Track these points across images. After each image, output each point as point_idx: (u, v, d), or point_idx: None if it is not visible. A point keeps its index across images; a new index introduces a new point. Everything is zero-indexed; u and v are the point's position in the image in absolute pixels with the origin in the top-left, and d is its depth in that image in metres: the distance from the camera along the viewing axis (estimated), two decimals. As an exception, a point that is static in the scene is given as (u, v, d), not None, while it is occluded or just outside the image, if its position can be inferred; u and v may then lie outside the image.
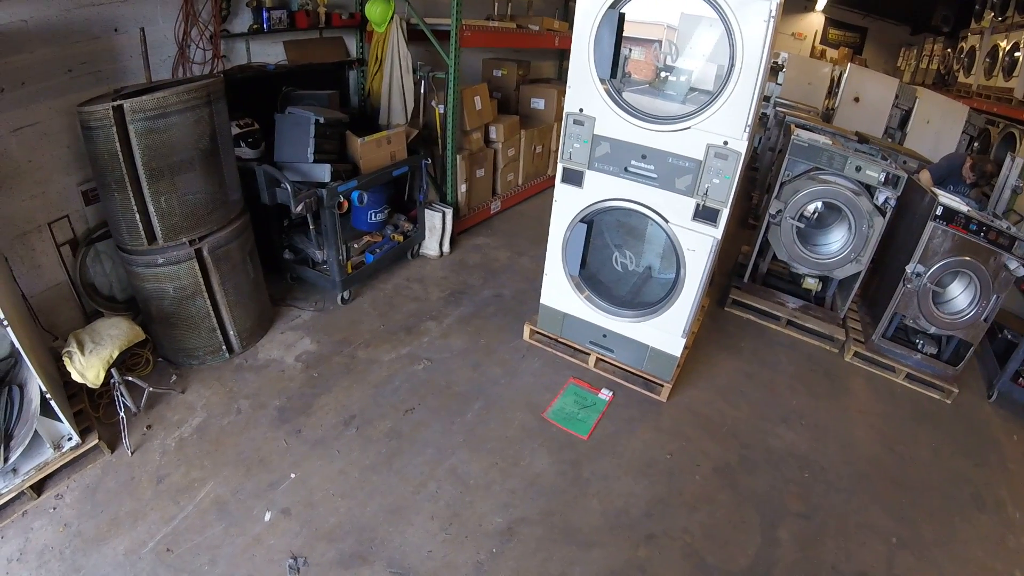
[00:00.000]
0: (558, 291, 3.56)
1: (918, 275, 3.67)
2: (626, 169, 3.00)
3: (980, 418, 3.78)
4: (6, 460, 2.42)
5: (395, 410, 3.26)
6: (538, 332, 3.85)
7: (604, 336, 3.55)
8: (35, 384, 2.48)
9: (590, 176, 3.13)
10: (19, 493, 2.50)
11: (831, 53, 12.85)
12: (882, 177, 3.71)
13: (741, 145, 2.66)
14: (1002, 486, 3.23)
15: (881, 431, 3.53)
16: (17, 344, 2.35)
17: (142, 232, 2.91)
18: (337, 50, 4.70)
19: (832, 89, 7.93)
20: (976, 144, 7.07)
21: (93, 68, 3.24)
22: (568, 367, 3.71)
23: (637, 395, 3.53)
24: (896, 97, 7.22)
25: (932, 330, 3.82)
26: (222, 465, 2.82)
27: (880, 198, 3.74)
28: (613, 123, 2.93)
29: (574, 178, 3.18)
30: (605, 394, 3.49)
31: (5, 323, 2.28)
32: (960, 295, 3.78)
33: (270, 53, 4.21)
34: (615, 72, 2.81)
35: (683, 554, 2.63)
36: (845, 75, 7.35)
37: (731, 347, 4.13)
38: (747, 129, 2.62)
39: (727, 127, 2.66)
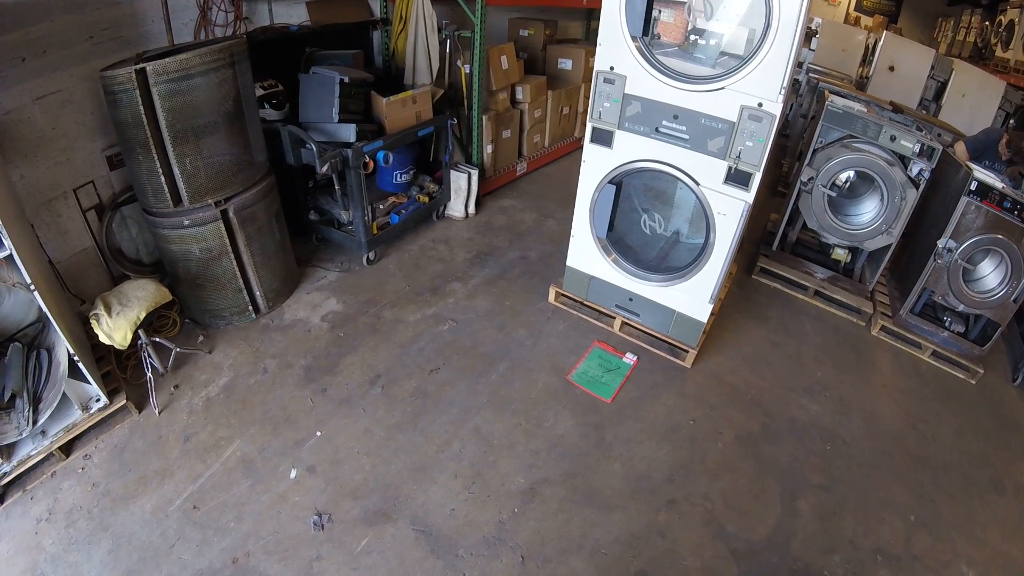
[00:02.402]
0: (585, 253, 3.54)
1: (949, 251, 3.58)
2: (657, 130, 2.94)
3: (1004, 401, 3.71)
4: (35, 422, 2.46)
5: (420, 370, 3.28)
6: (563, 295, 3.83)
7: (630, 300, 3.52)
8: (63, 347, 2.51)
9: (620, 136, 3.07)
10: (48, 454, 2.55)
11: (865, 20, 12.41)
12: (917, 148, 3.60)
13: (776, 107, 2.59)
14: (1022, 472, 3.18)
15: (905, 407, 3.49)
16: (44, 308, 2.38)
17: (167, 194, 2.92)
18: (360, 10, 4.62)
19: (866, 57, 7.68)
20: (1012, 121, 6.86)
21: (115, 34, 3.22)
22: (593, 330, 3.70)
23: (662, 360, 3.52)
24: (932, 68, 7.00)
25: (960, 308, 3.73)
26: (248, 424, 2.87)
27: (914, 169, 3.64)
28: (644, 82, 2.86)
29: (603, 138, 3.12)
30: (630, 358, 3.48)
31: (32, 288, 2.31)
32: (991, 274, 3.70)
33: (292, 14, 4.15)
34: (647, 30, 2.73)
35: (703, 521, 2.64)
36: (880, 43, 7.13)
37: (758, 315, 4.09)
38: (782, 91, 2.54)
39: (762, 88, 2.58)
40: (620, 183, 3.22)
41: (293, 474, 2.64)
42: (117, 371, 2.96)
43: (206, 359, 3.22)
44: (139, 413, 2.86)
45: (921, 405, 3.53)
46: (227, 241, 3.18)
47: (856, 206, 4.08)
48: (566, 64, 6.28)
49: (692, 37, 2.79)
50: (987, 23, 9.12)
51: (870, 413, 3.39)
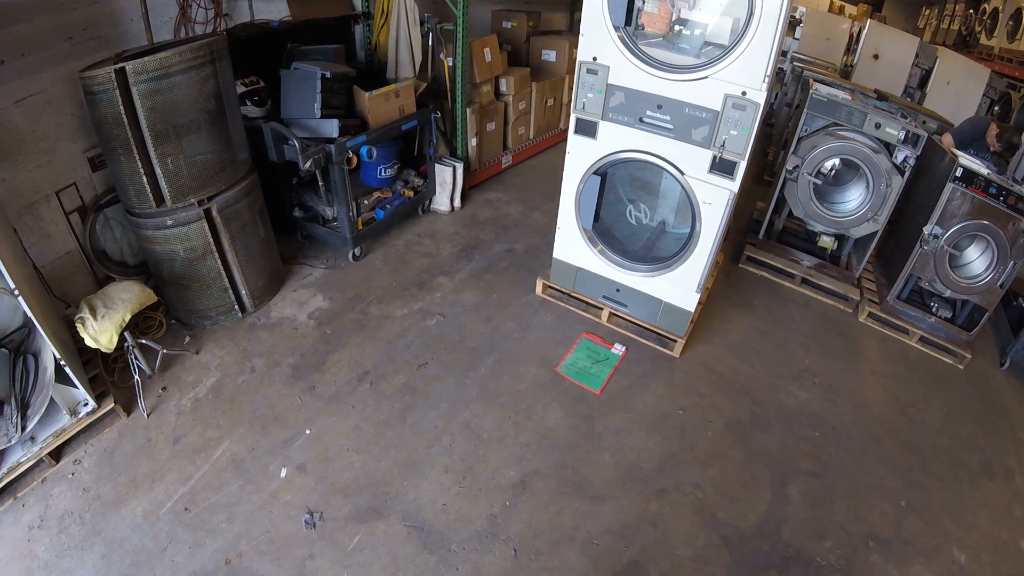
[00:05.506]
0: (571, 245, 3.54)
1: (935, 237, 3.60)
2: (641, 120, 2.94)
3: (992, 385, 3.75)
4: (24, 429, 2.44)
5: (408, 365, 3.27)
6: (551, 287, 3.83)
7: (617, 291, 3.53)
8: (49, 352, 2.49)
9: (604, 127, 3.07)
10: (38, 461, 2.53)
11: (850, 9, 12.41)
12: (902, 135, 3.62)
13: (760, 96, 2.59)
14: (1011, 455, 3.21)
15: (893, 393, 3.51)
16: (29, 314, 2.36)
17: (150, 195, 2.89)
18: (342, 4, 4.59)
19: (851, 46, 7.72)
20: (997, 108, 6.90)
21: (94, 34, 3.18)
22: (581, 322, 3.70)
23: (650, 350, 3.52)
24: (916, 56, 7.05)
25: (947, 294, 3.76)
26: (237, 424, 2.85)
27: (899, 156, 3.66)
28: (628, 72, 2.85)
29: (587, 129, 3.12)
30: (618, 349, 3.48)
31: (16, 293, 2.29)
32: (977, 259, 3.73)
33: (273, 10, 4.11)
34: (629, 20, 2.73)
35: (694, 509, 2.65)
36: (864, 32, 7.16)
37: (745, 304, 4.10)
38: (766, 79, 2.55)
39: (746, 77, 2.59)
40: (605, 174, 3.22)
41: (283, 473, 2.63)
42: (104, 374, 2.94)
43: (193, 360, 3.19)
44: (127, 416, 2.83)
45: (909, 390, 3.56)
46: (211, 240, 3.15)
47: (842, 194, 4.10)
48: (550, 55, 6.27)
49: (676, 27, 2.79)
50: (971, 11, 9.16)
51: (859, 399, 3.41)
